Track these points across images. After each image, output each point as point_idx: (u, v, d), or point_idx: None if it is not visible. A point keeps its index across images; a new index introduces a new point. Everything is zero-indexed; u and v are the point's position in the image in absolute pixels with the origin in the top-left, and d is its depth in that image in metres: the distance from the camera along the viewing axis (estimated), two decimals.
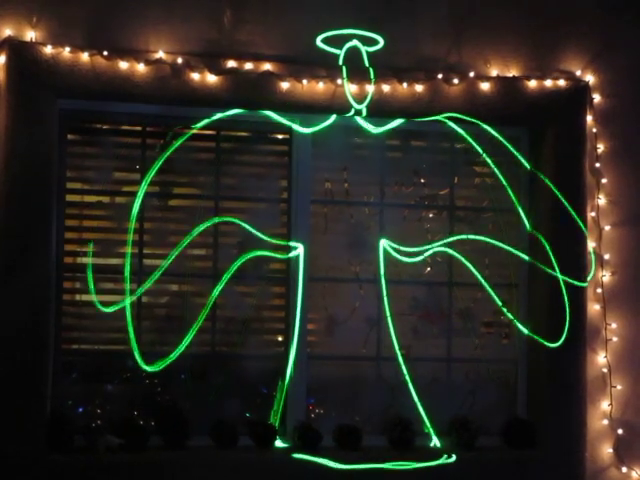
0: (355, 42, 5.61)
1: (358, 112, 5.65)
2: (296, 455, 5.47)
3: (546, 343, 5.75)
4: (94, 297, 5.38)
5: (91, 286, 5.36)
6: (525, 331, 5.82)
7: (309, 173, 5.79)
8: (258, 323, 5.81)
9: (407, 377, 5.71)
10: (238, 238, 5.78)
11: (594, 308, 5.88)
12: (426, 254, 5.82)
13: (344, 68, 5.61)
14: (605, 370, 5.89)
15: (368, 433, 5.70)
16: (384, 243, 5.74)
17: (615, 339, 5.90)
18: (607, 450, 5.89)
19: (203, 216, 5.67)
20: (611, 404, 5.88)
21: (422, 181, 5.93)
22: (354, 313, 5.84)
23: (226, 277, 5.55)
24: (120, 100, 5.52)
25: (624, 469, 5.89)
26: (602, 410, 5.89)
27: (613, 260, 5.92)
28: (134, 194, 5.59)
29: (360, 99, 5.63)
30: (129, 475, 5.34)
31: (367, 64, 5.64)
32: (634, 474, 5.89)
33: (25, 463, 5.23)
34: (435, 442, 5.73)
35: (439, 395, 5.86)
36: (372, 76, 5.61)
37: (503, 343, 6.06)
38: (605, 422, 5.88)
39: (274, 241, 5.68)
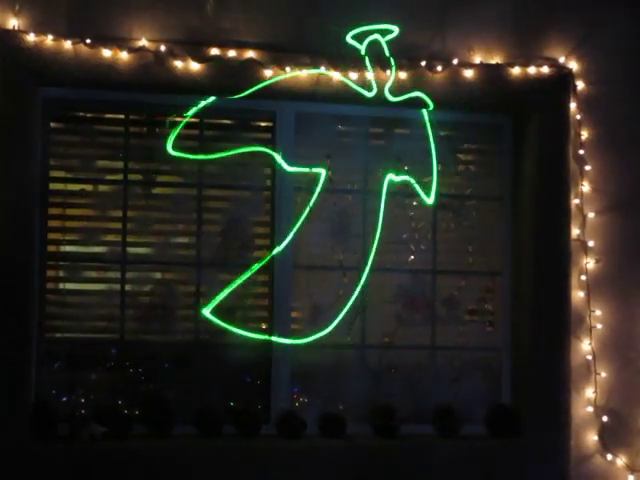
0: (376, 36, 5.61)
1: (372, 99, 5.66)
2: None
3: None
4: None
5: None
6: None
7: (293, 161, 5.78)
8: (242, 311, 5.79)
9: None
10: (222, 226, 5.79)
11: (578, 295, 5.88)
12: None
13: (367, 59, 5.61)
14: (589, 357, 5.88)
15: (352, 421, 5.70)
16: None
17: (599, 326, 5.90)
18: (592, 438, 5.89)
19: (187, 204, 5.70)
20: (596, 391, 5.87)
21: (405, 169, 5.92)
22: (338, 301, 5.83)
23: None
24: (103, 88, 5.52)
25: (609, 456, 5.88)
26: (586, 397, 5.88)
27: (597, 247, 5.92)
28: (117, 182, 5.65)
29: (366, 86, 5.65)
30: (113, 464, 5.33)
31: (387, 54, 5.63)
32: (619, 461, 5.89)
33: (8, 451, 5.23)
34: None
35: (423, 383, 5.89)
36: (393, 64, 5.63)
37: (487, 331, 6.07)
38: (590, 409, 5.88)
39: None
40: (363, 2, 5.68)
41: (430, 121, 5.75)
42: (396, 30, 5.61)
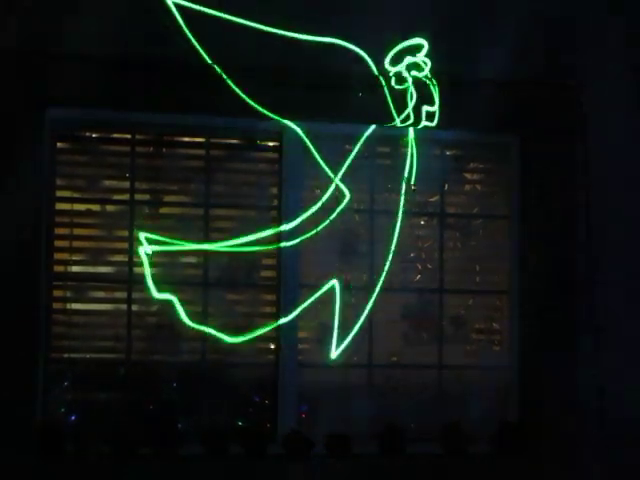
0: (415, 58, 5.65)
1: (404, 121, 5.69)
2: None
3: None
4: None
5: None
6: None
7: (299, 180, 5.79)
8: (249, 331, 5.79)
9: None
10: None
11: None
12: None
13: (410, 80, 5.65)
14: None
15: (359, 440, 5.69)
16: None
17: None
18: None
19: (194, 224, 5.70)
20: (605, 410, 5.86)
21: (412, 188, 5.92)
22: (345, 321, 5.81)
23: None
24: (110, 108, 5.52)
25: None
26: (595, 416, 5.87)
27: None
28: (124, 202, 5.66)
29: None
30: None
31: (429, 75, 5.69)
32: None
33: (15, 470, 5.23)
34: None
35: (430, 402, 5.88)
36: (435, 89, 5.68)
37: (494, 350, 6.06)
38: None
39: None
40: (362, 19, 5.68)
41: (416, 139, 5.78)
42: (426, 45, 5.63)
